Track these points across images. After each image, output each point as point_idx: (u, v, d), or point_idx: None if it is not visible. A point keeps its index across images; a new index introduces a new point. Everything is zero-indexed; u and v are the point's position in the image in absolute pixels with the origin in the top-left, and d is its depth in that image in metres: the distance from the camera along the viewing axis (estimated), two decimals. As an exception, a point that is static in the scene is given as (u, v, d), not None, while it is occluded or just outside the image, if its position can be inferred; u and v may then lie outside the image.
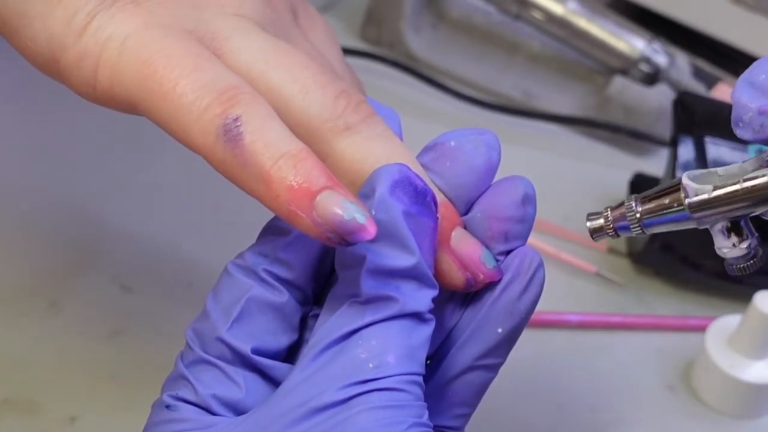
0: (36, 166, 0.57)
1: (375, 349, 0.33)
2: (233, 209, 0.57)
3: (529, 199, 0.36)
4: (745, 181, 0.32)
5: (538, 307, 0.57)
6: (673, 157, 0.55)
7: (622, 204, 0.35)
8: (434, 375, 0.36)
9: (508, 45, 0.69)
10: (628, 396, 0.52)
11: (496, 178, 0.37)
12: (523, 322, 0.36)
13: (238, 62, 0.35)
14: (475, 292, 0.36)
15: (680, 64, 0.66)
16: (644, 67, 0.65)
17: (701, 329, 0.53)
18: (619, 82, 0.65)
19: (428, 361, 0.36)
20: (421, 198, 0.34)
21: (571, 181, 0.62)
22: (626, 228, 0.35)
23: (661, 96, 0.65)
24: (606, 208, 0.35)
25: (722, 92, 0.67)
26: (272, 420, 0.33)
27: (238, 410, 0.34)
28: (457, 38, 0.69)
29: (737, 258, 0.34)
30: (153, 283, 0.53)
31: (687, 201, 0.33)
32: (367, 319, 0.33)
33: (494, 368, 0.36)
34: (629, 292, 0.57)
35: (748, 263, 0.34)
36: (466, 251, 0.35)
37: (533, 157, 0.64)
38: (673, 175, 0.53)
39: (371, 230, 0.32)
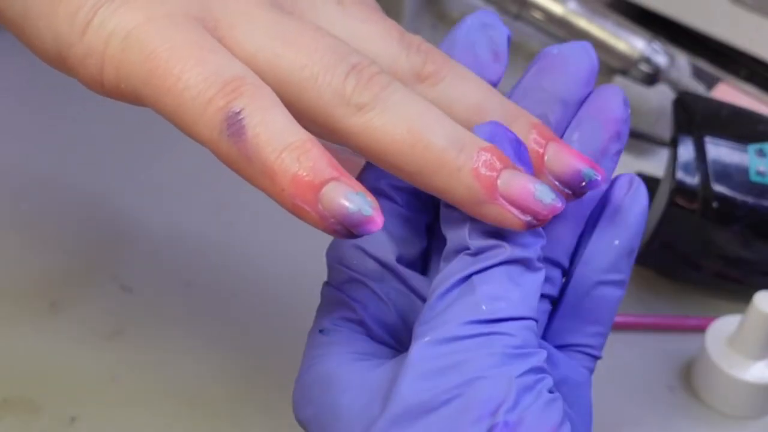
0: (36, 167, 0.57)
1: (486, 294, 0.34)
2: (233, 209, 0.57)
3: (626, 101, 0.38)
4: None
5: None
6: (673, 157, 0.55)
7: None
8: (565, 295, 0.38)
9: (508, 45, 0.69)
10: (628, 396, 0.52)
11: None
12: (637, 234, 0.39)
13: (243, 52, 0.35)
14: (591, 216, 0.39)
15: (680, 64, 0.66)
16: (644, 67, 0.65)
17: (701, 329, 0.53)
18: (619, 82, 0.65)
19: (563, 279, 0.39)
20: (515, 151, 0.35)
21: (571, 181, 0.62)
22: None
23: (661, 96, 0.65)
24: None
25: (722, 92, 0.67)
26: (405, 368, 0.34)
27: (389, 328, 0.36)
28: (457, 38, 0.69)
29: None
30: (153, 283, 0.53)
31: None
32: (478, 266, 0.34)
33: (620, 284, 0.39)
34: (629, 292, 0.57)
35: None
36: (517, 192, 0.34)
37: (533, 157, 0.64)
38: (674, 176, 0.53)
39: (378, 221, 0.32)
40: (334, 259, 0.37)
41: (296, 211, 0.32)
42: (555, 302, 0.38)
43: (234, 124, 0.32)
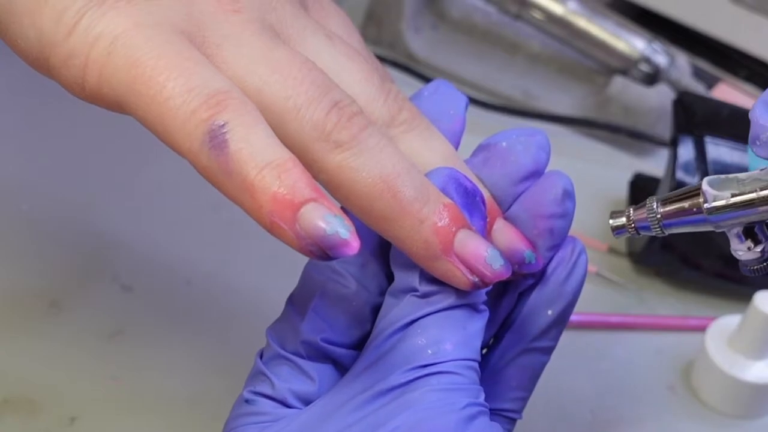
0: (36, 166, 0.57)
1: (433, 337, 0.35)
2: (233, 209, 0.57)
3: (568, 195, 0.38)
4: (762, 189, 0.34)
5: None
6: (673, 157, 0.55)
7: (643, 205, 0.37)
8: (491, 360, 0.39)
9: (508, 45, 0.69)
10: (628, 396, 0.52)
11: None
12: (571, 304, 0.39)
13: (229, 72, 0.35)
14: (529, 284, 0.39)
15: (680, 64, 0.66)
16: (644, 67, 0.65)
17: (701, 329, 0.53)
18: (619, 82, 0.66)
19: (484, 351, 0.39)
20: (470, 198, 0.36)
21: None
22: (647, 228, 0.37)
23: (661, 96, 0.65)
24: (628, 207, 0.37)
25: (722, 92, 0.67)
26: (339, 405, 0.35)
27: (311, 402, 0.37)
28: (457, 38, 0.69)
29: (751, 260, 0.36)
30: (153, 283, 0.53)
31: (705, 206, 0.35)
32: (426, 310, 0.35)
33: (547, 351, 0.39)
34: (629, 292, 0.57)
35: (762, 265, 0.36)
36: (470, 253, 0.35)
37: (533, 157, 0.64)
38: (673, 176, 0.53)
39: (354, 245, 0.32)
40: (270, 335, 0.38)
41: (273, 229, 0.32)
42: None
43: (216, 137, 0.32)
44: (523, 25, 0.67)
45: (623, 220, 0.37)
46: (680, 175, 0.53)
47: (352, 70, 0.38)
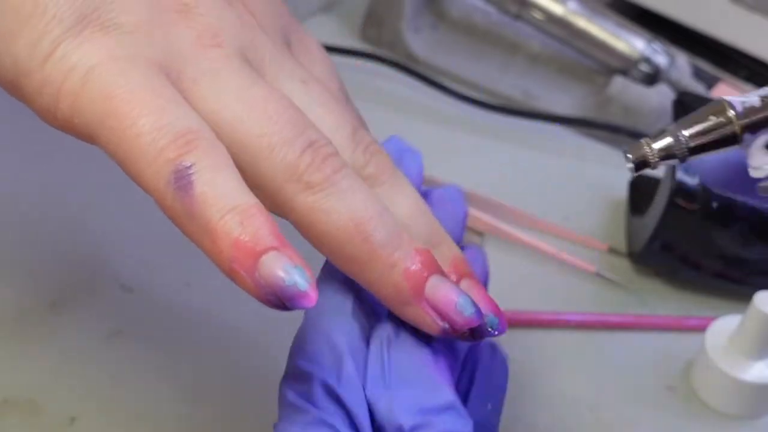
0: (36, 166, 0.57)
1: None
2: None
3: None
4: None
5: (538, 307, 0.57)
6: (673, 157, 0.55)
7: (663, 131, 0.34)
8: None
9: (508, 45, 0.69)
10: (628, 396, 0.52)
11: None
12: (504, 394, 0.39)
13: (204, 110, 0.34)
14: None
15: (680, 64, 0.66)
16: (644, 67, 0.65)
17: (701, 329, 0.53)
18: (619, 82, 0.65)
19: None
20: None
21: (571, 181, 0.62)
22: (672, 156, 0.34)
23: (661, 96, 0.65)
24: (642, 139, 0.35)
25: (722, 92, 0.67)
26: None
27: None
28: (457, 38, 0.69)
29: None
30: (153, 283, 0.53)
31: (734, 113, 0.33)
32: None
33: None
34: (629, 292, 0.57)
35: None
36: (441, 299, 0.35)
37: (533, 157, 0.64)
38: (673, 176, 0.53)
39: (312, 297, 0.31)
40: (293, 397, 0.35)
41: (232, 275, 0.32)
42: None
43: (182, 178, 0.32)
44: (523, 25, 0.67)
45: (645, 150, 0.34)
46: (680, 175, 0.53)
47: (323, 117, 0.37)
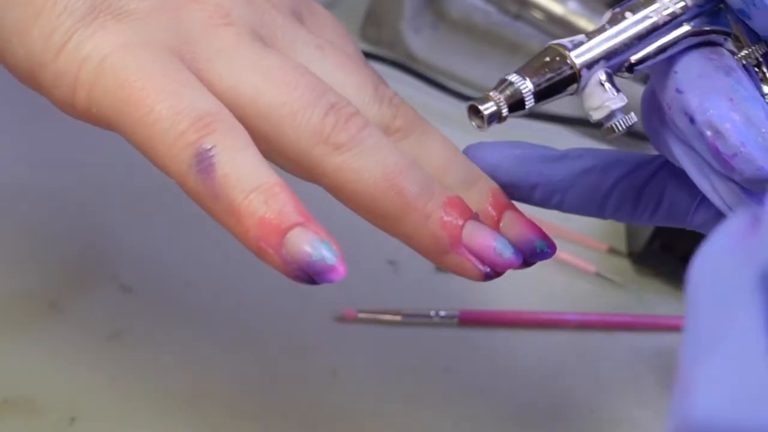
0: (35, 166, 0.57)
1: None
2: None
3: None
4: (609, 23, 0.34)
5: (538, 307, 0.57)
6: (673, 157, 0.55)
7: (504, 81, 0.34)
8: None
9: (508, 45, 0.69)
10: (628, 396, 0.52)
11: None
12: None
13: (221, 87, 0.34)
14: None
15: (680, 64, 0.66)
16: (644, 67, 0.65)
17: (701, 329, 0.53)
18: (618, 82, 0.65)
19: None
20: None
21: (571, 181, 0.62)
22: (520, 103, 0.34)
23: (661, 96, 0.65)
24: (484, 93, 0.34)
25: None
26: None
27: None
28: (457, 38, 0.69)
29: (620, 108, 0.36)
30: (153, 283, 0.53)
31: (569, 53, 0.34)
32: None
33: None
34: (629, 292, 0.57)
35: (629, 115, 0.36)
36: (479, 244, 0.35)
37: (533, 157, 0.64)
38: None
39: (341, 270, 0.31)
40: None
41: (260, 253, 0.32)
42: None
43: (204, 161, 0.32)
44: (523, 25, 0.67)
45: (492, 104, 0.34)
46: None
47: (344, 80, 0.37)
